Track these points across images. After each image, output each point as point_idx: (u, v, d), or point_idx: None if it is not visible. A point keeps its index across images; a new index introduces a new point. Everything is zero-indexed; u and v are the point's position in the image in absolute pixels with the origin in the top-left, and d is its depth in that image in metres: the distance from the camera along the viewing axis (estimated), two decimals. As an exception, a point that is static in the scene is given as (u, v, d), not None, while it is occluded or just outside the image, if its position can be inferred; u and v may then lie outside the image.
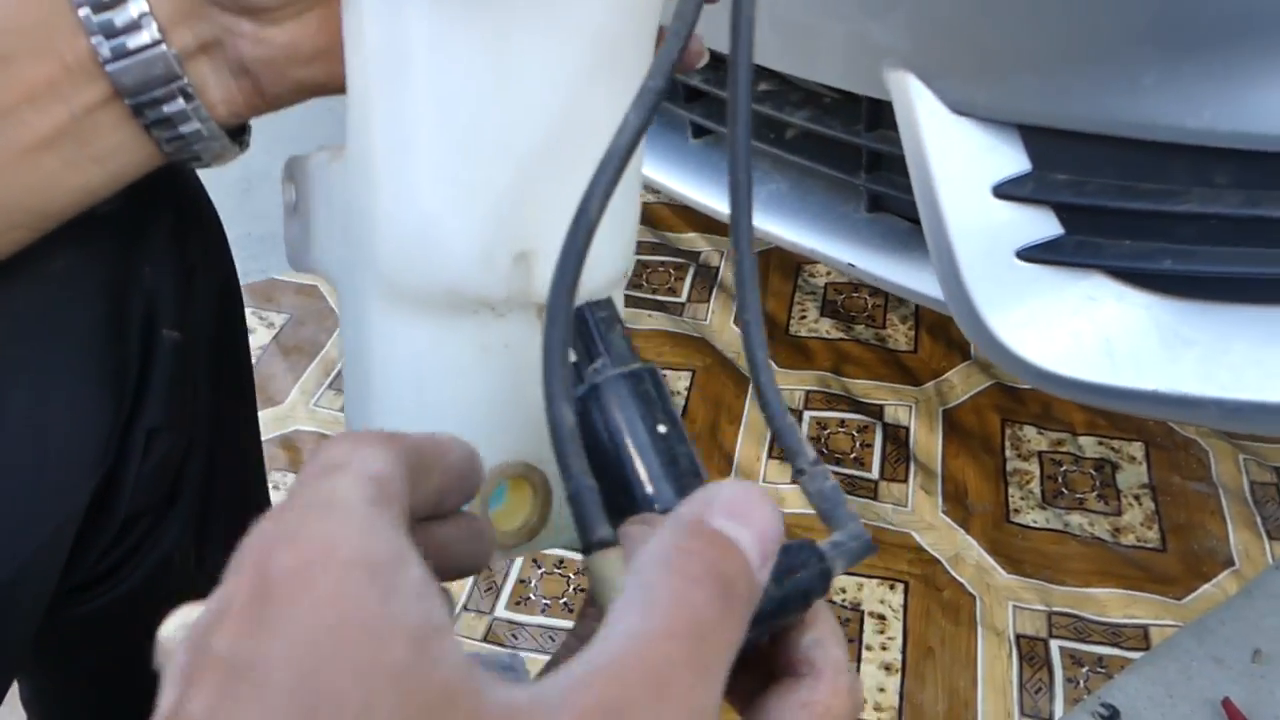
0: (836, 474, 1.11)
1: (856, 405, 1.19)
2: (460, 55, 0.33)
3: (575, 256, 0.29)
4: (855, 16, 0.61)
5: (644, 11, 0.36)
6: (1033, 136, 0.62)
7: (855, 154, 0.71)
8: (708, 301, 1.34)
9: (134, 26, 0.34)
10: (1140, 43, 0.54)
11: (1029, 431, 1.16)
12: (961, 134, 0.62)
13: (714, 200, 0.80)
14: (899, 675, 0.93)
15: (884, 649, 0.95)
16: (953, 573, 1.01)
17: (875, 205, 0.73)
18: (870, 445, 1.15)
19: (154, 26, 0.34)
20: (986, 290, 0.64)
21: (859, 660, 0.94)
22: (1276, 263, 0.60)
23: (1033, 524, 1.06)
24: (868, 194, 0.72)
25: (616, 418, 0.29)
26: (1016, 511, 1.07)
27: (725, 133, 0.80)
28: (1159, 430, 1.16)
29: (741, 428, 1.16)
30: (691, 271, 1.39)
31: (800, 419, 1.18)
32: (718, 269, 1.39)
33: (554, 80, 0.34)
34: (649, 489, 0.29)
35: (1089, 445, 1.14)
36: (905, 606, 0.99)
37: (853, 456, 1.14)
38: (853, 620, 0.98)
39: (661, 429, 0.30)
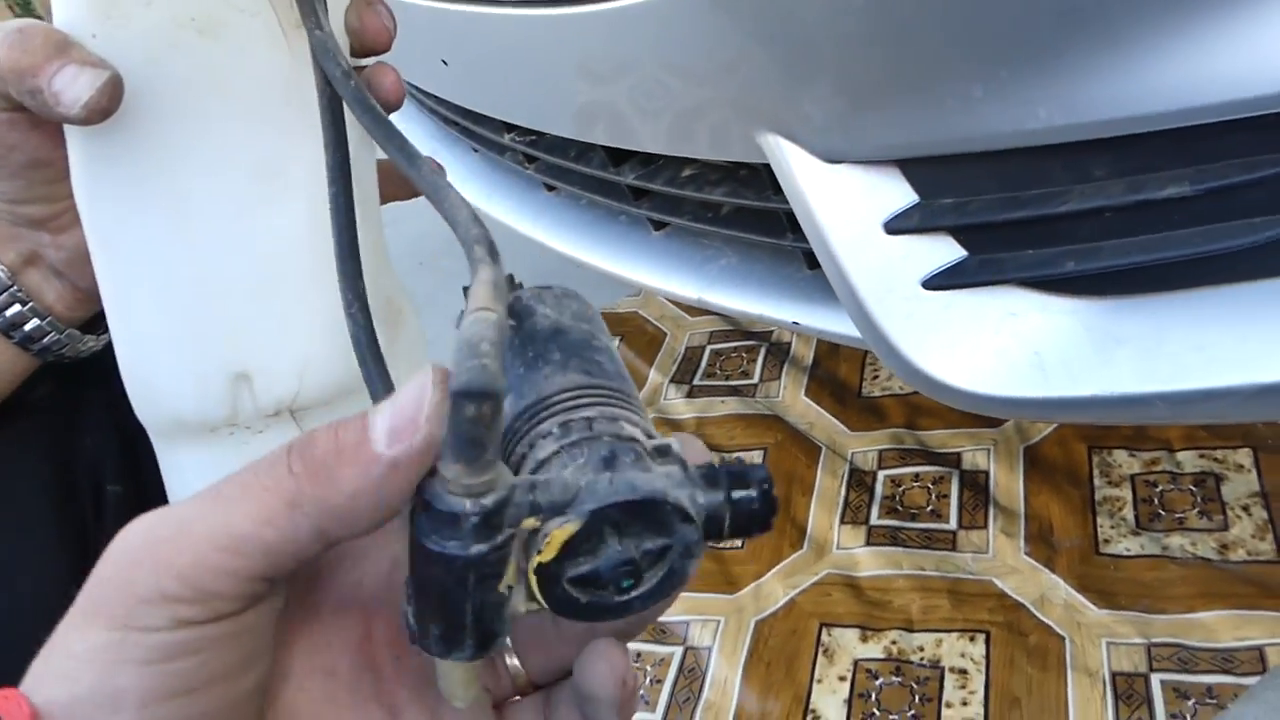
0: (913, 530, 1.08)
1: (932, 457, 1.16)
2: (144, 211, 0.38)
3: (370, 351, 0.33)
4: (707, 92, 0.64)
5: (299, 130, 0.38)
6: (911, 168, 0.62)
7: (779, 218, 0.73)
8: (779, 378, 1.35)
9: None
10: (954, 60, 0.55)
11: (1119, 456, 1.09)
12: (840, 181, 0.63)
13: (684, 288, 0.83)
14: (981, 730, 0.89)
15: (965, 704, 0.91)
16: (1039, 615, 0.96)
17: (813, 262, 0.74)
18: (946, 496, 1.11)
19: None
20: (900, 325, 0.64)
21: None
22: (1179, 245, 0.57)
23: (1126, 553, 0.99)
24: (801, 253, 0.74)
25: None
26: (1107, 542, 1.01)
27: (680, 224, 0.84)
28: (1269, 432, 1.07)
29: (814, 497, 1.16)
30: (763, 351, 1.41)
31: (874, 479, 1.16)
32: (789, 344, 1.40)
33: (222, 210, 0.38)
34: None
35: (1188, 460, 1.07)
36: (987, 657, 0.94)
37: (929, 510, 1.11)
38: (931, 679, 0.94)
39: None
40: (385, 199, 0.48)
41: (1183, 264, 0.59)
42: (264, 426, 0.40)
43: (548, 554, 0.25)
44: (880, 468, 1.18)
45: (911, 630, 0.99)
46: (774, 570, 1.09)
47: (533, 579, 0.25)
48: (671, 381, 1.40)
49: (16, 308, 0.45)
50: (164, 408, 0.40)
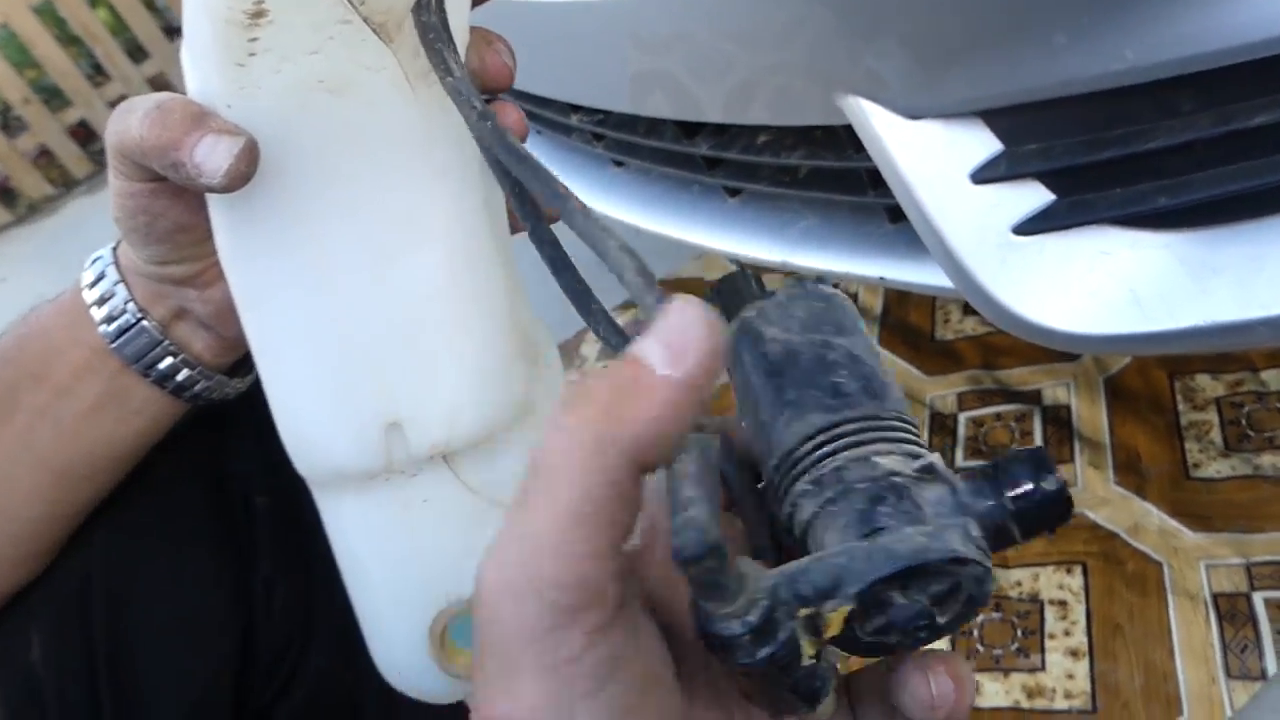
0: (1000, 469, 1.09)
1: (1012, 395, 1.17)
2: (286, 268, 0.39)
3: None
4: (785, 60, 0.66)
5: (432, 178, 0.39)
6: (994, 117, 0.63)
7: (860, 176, 0.75)
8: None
9: (122, 312, 0.46)
10: (1035, 9, 0.55)
11: (1202, 380, 1.10)
12: (924, 135, 0.65)
13: (768, 253, 0.85)
14: (1087, 659, 0.91)
15: (1068, 634, 0.93)
16: (1134, 543, 0.98)
17: (896, 216, 0.76)
18: (1030, 432, 1.13)
19: (135, 309, 0.46)
20: (994, 273, 0.65)
21: (1042, 652, 0.93)
22: (1272, 171, 0.58)
23: (1217, 475, 1.00)
24: (884, 208, 0.76)
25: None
26: (1196, 466, 1.02)
27: (757, 190, 0.86)
28: (1354, 344, 1.07)
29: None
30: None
31: (955, 422, 1.18)
32: (855, 295, 1.41)
33: (363, 262, 0.38)
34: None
35: (1273, 379, 1.07)
36: (1086, 588, 0.96)
37: (1013, 448, 1.12)
38: (1032, 612, 0.96)
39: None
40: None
41: (1276, 189, 0.59)
42: (418, 470, 0.42)
43: (833, 630, 0.25)
44: (960, 410, 1.19)
45: (1007, 567, 1.01)
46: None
47: (830, 648, 0.26)
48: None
49: (169, 360, 0.48)
50: (320, 460, 0.42)
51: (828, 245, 0.79)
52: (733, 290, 0.32)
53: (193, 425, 0.55)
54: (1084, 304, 0.64)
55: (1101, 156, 0.61)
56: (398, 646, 0.45)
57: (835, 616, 0.25)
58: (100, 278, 0.48)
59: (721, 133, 0.81)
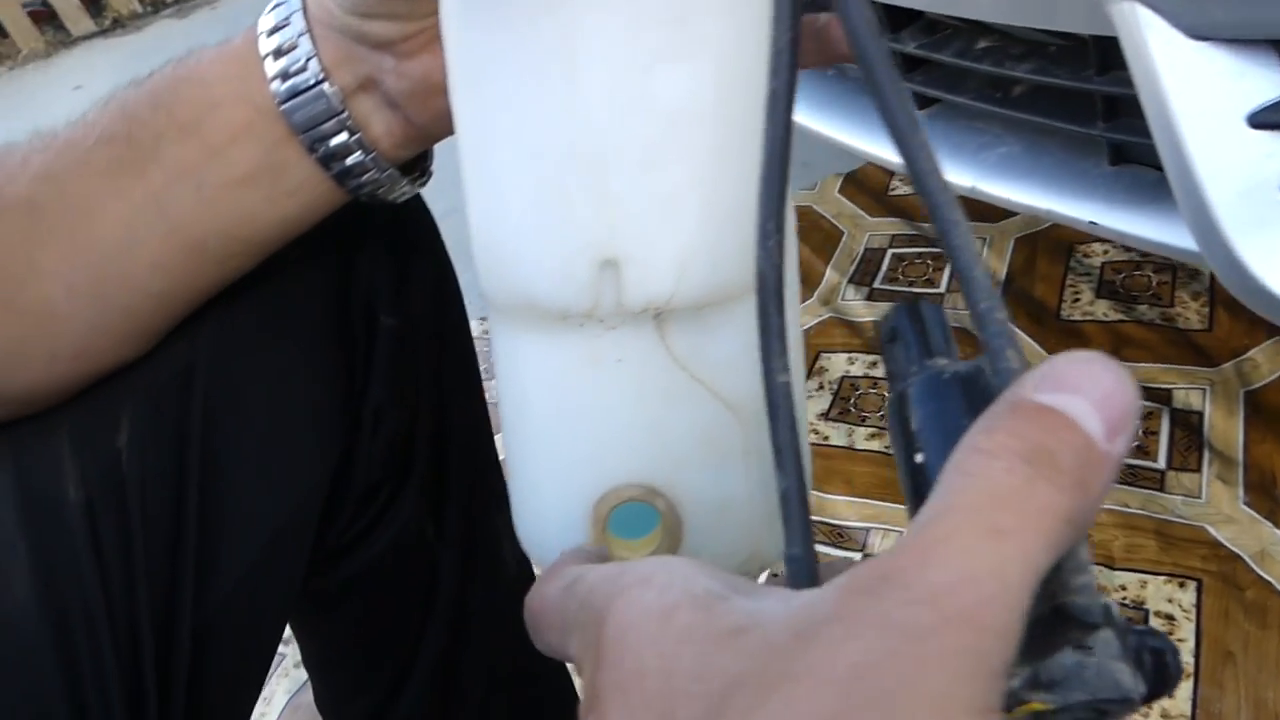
0: (1116, 464, 1.02)
1: (1140, 391, 1.09)
2: (525, 54, 0.32)
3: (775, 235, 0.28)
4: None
5: None
6: (1293, 54, 0.55)
7: (1090, 103, 0.66)
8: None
9: (302, 70, 0.39)
10: None
11: (1355, 412, 1.01)
12: (1204, 62, 0.56)
13: (954, 175, 0.76)
14: (1191, 680, 0.83)
15: (1173, 652, 0.86)
16: (1258, 569, 0.90)
17: (1118, 157, 0.67)
18: (1155, 433, 1.04)
19: (317, 69, 0.39)
20: (1250, 236, 0.56)
21: (1143, 664, 0.86)
22: None
23: (1361, 516, 0.92)
24: (1108, 145, 0.67)
25: (952, 418, 0.25)
26: (1339, 503, 0.93)
27: (951, 100, 0.77)
28: None
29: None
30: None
31: (1073, 407, 1.09)
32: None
33: (617, 59, 0.31)
34: None
35: None
36: (1198, 606, 0.89)
37: (1135, 445, 1.04)
38: (1135, 620, 0.89)
39: None
40: None
41: None
42: (618, 323, 0.34)
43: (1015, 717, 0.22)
44: (1080, 395, 1.11)
45: (1113, 568, 0.93)
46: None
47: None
48: (850, 282, 1.33)
49: (342, 137, 0.40)
50: (517, 286, 0.34)
51: (1029, 177, 0.70)
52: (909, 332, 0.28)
53: (326, 233, 0.47)
54: (1348, 289, 0.56)
55: None
56: (550, 517, 0.38)
57: (1035, 707, 0.21)
58: (282, 25, 0.40)
59: (933, 31, 0.72)
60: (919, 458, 0.25)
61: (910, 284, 1.31)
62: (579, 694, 0.76)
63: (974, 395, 0.25)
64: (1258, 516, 0.94)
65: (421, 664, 0.64)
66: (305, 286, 0.50)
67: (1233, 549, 0.92)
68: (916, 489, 0.25)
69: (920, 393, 0.26)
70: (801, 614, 0.20)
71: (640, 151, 0.32)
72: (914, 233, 1.39)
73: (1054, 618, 0.22)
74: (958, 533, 0.19)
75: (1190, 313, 1.17)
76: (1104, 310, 1.20)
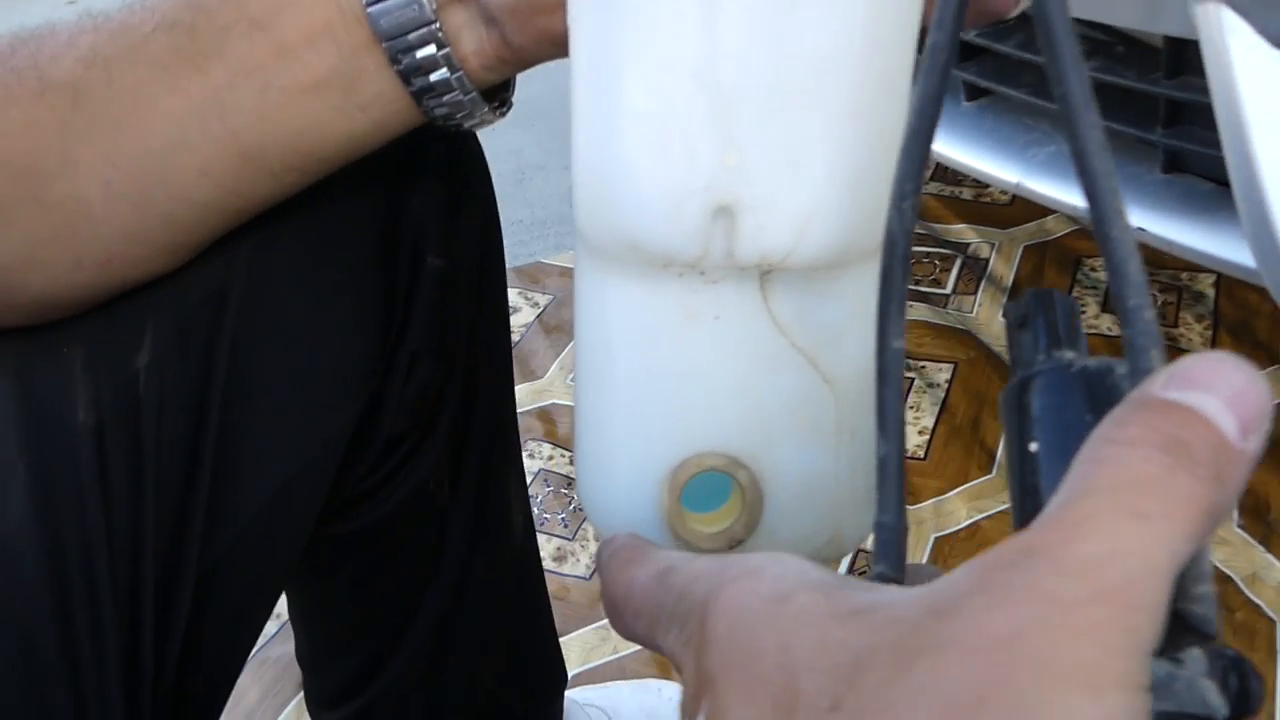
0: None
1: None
2: None
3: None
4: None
5: None
6: (1375, 74, 0.54)
7: (1151, 107, 0.65)
8: (974, 294, 1.27)
9: None
10: None
11: (1351, 446, 1.01)
12: (1283, 73, 0.55)
13: (990, 166, 0.75)
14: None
15: (1162, 669, 0.86)
16: (1248, 593, 0.90)
17: (1172, 165, 0.66)
18: (1154, 450, 1.04)
19: None
20: (1309, 254, 0.56)
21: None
22: None
23: (1352, 548, 0.92)
24: (1165, 151, 0.66)
25: (1073, 412, 0.25)
26: (1332, 533, 0.94)
27: (1003, 93, 0.76)
28: None
29: (1006, 423, 1.09)
30: (958, 264, 1.32)
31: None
32: (987, 260, 1.31)
33: (770, 5, 0.29)
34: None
35: None
36: (1189, 626, 0.89)
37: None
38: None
39: None
40: None
41: None
42: (720, 278, 0.32)
43: None
44: (1080, 407, 1.11)
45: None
46: (958, 490, 1.03)
47: None
48: (855, 274, 1.32)
49: (430, 50, 0.37)
50: (621, 226, 0.32)
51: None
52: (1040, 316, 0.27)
53: (380, 162, 0.44)
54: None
55: None
56: (619, 481, 0.36)
57: None
58: None
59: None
60: (1033, 446, 0.24)
61: (917, 283, 1.30)
62: (565, 669, 0.75)
63: (1098, 393, 0.24)
64: (1250, 540, 0.94)
65: (418, 627, 0.62)
66: (354, 217, 0.47)
67: (1224, 570, 0.92)
68: (1024, 477, 0.24)
69: (1045, 383, 0.25)
70: (936, 592, 0.20)
71: (774, 93, 0.30)
72: (923, 232, 1.38)
73: (1170, 622, 0.21)
74: (1102, 512, 0.19)
75: (1193, 334, 1.17)
76: (1108, 325, 1.19)
